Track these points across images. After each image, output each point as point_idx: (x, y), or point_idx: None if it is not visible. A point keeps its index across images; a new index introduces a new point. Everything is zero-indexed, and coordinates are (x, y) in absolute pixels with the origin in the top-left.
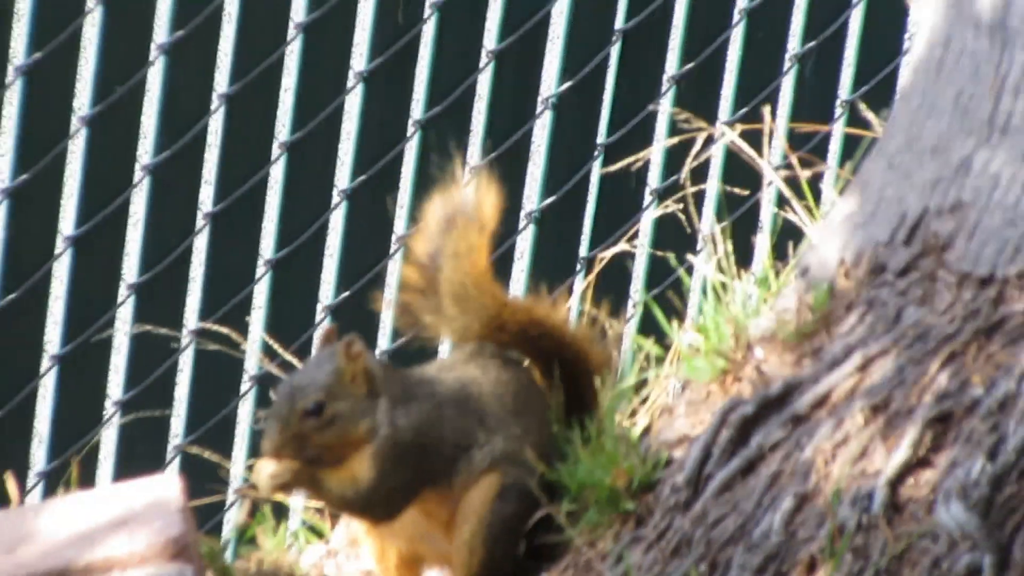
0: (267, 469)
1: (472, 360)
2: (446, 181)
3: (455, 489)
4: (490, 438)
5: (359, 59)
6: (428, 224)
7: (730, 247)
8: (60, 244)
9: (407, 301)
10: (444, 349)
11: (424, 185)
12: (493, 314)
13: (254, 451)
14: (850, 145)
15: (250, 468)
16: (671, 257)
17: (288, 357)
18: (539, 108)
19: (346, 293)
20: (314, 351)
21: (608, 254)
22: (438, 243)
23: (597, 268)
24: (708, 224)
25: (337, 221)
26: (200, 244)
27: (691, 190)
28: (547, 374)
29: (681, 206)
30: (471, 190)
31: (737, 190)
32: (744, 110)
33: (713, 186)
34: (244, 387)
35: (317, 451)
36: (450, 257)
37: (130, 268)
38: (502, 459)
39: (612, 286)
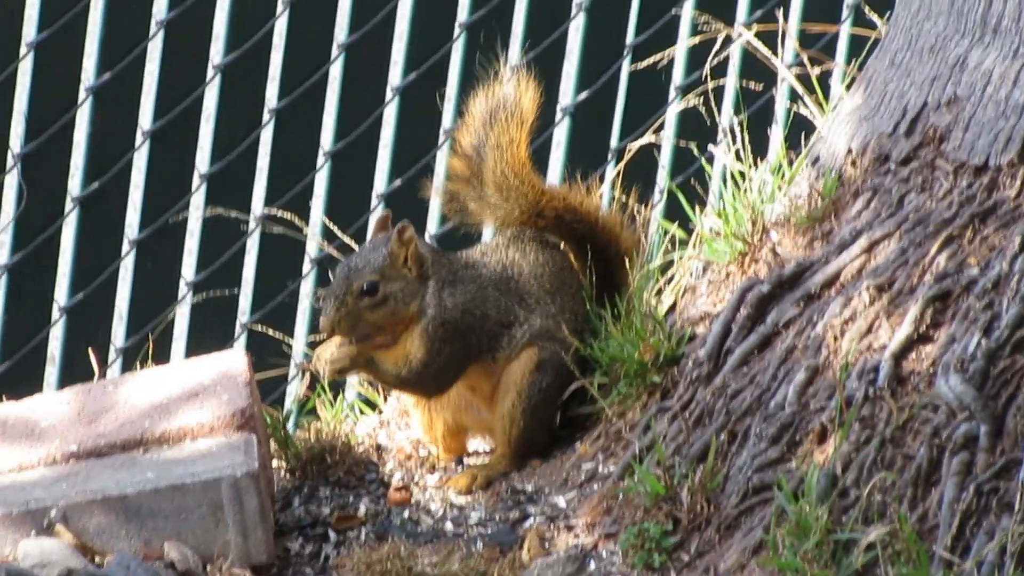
0: (326, 354)
1: (513, 244)
2: (489, 79)
3: (498, 363)
4: (529, 316)
5: None
6: (472, 119)
7: (747, 139)
8: (139, 137)
9: (454, 189)
10: (487, 233)
11: (469, 83)
12: (532, 201)
13: (314, 328)
14: (856, 45)
15: (311, 346)
16: (694, 148)
17: (346, 240)
18: (573, 12)
19: (398, 182)
20: (369, 235)
21: (636, 145)
22: (482, 136)
23: (626, 158)
24: (727, 118)
25: (390, 116)
26: (266, 137)
27: (711, 86)
28: (581, 256)
29: (702, 101)
30: (511, 87)
31: (754, 84)
32: (759, 12)
33: (731, 83)
34: (305, 269)
35: (370, 328)
36: (493, 149)
37: (202, 159)
38: (540, 335)
39: (640, 174)
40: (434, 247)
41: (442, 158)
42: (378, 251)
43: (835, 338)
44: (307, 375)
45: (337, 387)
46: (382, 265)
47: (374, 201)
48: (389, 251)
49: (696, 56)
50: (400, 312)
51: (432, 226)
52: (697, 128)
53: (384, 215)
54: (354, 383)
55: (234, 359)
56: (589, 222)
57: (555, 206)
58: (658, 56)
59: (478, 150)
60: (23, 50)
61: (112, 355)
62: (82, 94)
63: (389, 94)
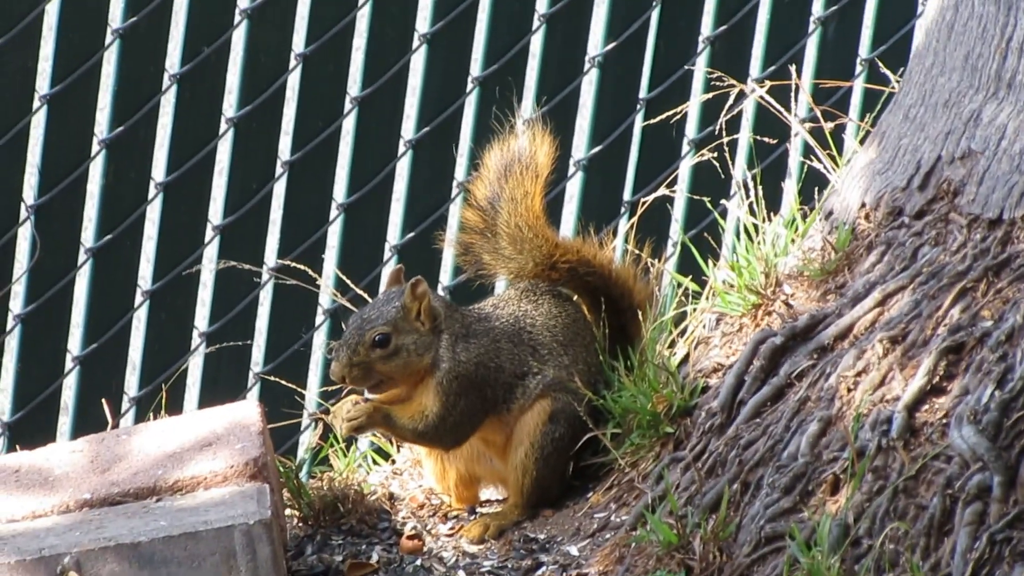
0: (343, 412)
1: (525, 296)
2: (503, 133)
3: (512, 415)
4: (542, 367)
5: (423, 22)
6: (487, 171)
7: (761, 192)
8: (152, 189)
9: (468, 242)
10: (500, 286)
11: (483, 136)
12: (546, 254)
13: (327, 379)
14: (869, 100)
15: (325, 397)
16: (707, 201)
17: (359, 292)
18: (586, 66)
19: (411, 234)
20: (382, 288)
21: (650, 198)
22: (496, 189)
23: (640, 211)
24: (740, 171)
25: (403, 169)
26: (279, 190)
27: (725, 140)
28: (594, 308)
29: (716, 155)
30: (526, 141)
31: (767, 138)
32: (772, 68)
33: (745, 137)
34: (318, 320)
35: (382, 379)
36: (507, 202)
37: (215, 211)
38: (552, 385)
39: (653, 228)
40: (447, 301)
41: (455, 211)
42: (391, 304)
43: (848, 389)
44: (320, 425)
45: (350, 437)
46: (395, 318)
47: (387, 253)
48: (402, 304)
49: (709, 110)
50: (412, 364)
51: (445, 278)
52: (710, 182)
53: (397, 268)
54: (367, 433)
55: (247, 409)
56: (602, 275)
57: (568, 259)
58: (672, 112)
59: (492, 203)
60: (36, 103)
61: (125, 405)
62: (95, 147)
63: (402, 147)
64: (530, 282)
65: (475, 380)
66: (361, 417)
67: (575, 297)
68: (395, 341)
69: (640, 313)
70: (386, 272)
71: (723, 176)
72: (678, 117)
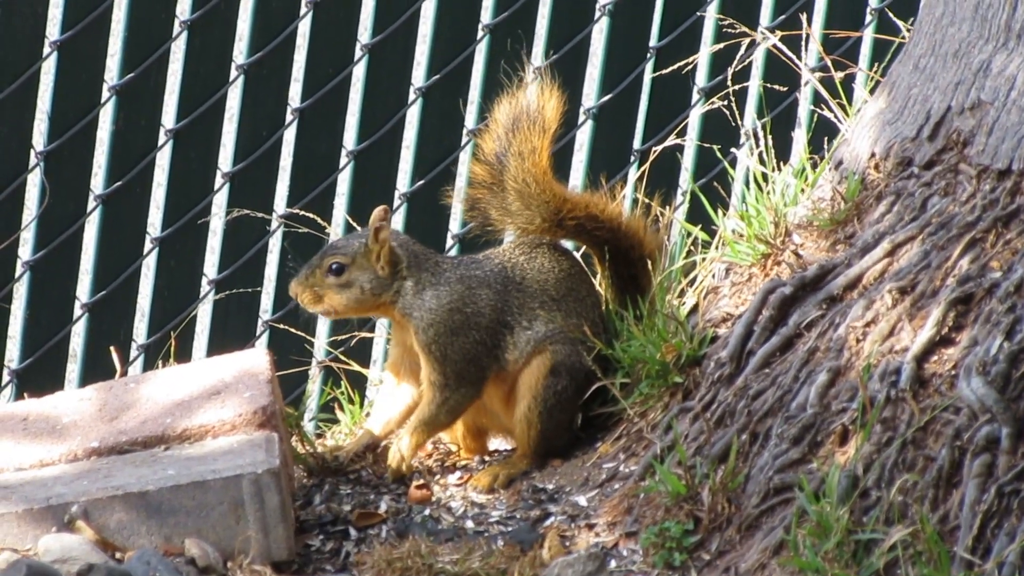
0: (393, 460)
1: (519, 248)
2: (512, 85)
3: (508, 370)
4: (532, 321)
5: None
6: (495, 125)
7: (770, 141)
8: (162, 136)
9: (475, 196)
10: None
11: (492, 84)
12: (554, 209)
13: (336, 328)
14: (880, 49)
15: (333, 345)
16: (717, 150)
17: None
18: (597, 14)
19: (421, 182)
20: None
21: (659, 147)
22: (504, 144)
23: (650, 160)
24: (750, 120)
25: (413, 116)
26: (289, 137)
27: (734, 87)
28: (604, 261)
29: (726, 103)
30: (534, 95)
31: (778, 86)
32: (783, 17)
33: (755, 86)
34: None
35: (331, 308)
36: (515, 157)
37: (225, 158)
38: (548, 338)
39: (663, 177)
40: (417, 250)
41: (465, 159)
42: (358, 239)
43: (857, 340)
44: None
45: (357, 385)
46: (355, 252)
47: (396, 201)
48: (365, 242)
49: (720, 59)
50: (364, 302)
51: (455, 226)
52: (720, 131)
53: (382, 208)
54: (375, 380)
55: (256, 357)
56: (611, 228)
57: (576, 214)
58: (683, 63)
59: (500, 157)
60: (47, 49)
61: (134, 352)
62: (105, 93)
63: (412, 95)
64: (527, 237)
65: (452, 325)
66: (406, 450)
67: (581, 250)
68: (349, 274)
69: (650, 263)
70: (395, 221)
71: (733, 125)
72: (689, 67)
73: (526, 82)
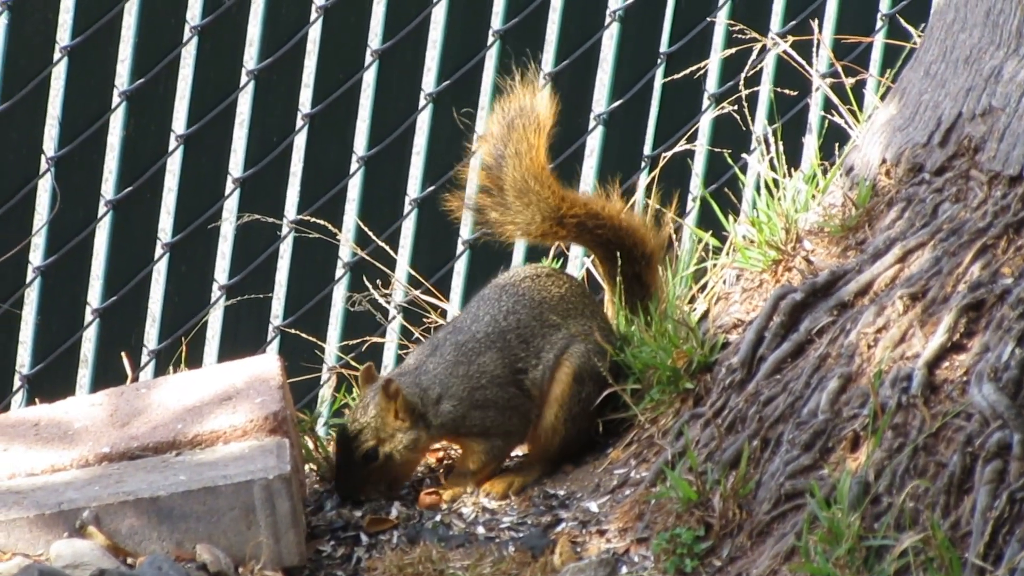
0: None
1: (503, 296)
2: (507, 90)
3: (539, 404)
4: (539, 356)
5: None
6: (491, 130)
7: (781, 147)
8: (173, 142)
9: (480, 203)
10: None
11: (502, 90)
12: (553, 207)
13: (347, 332)
14: (890, 55)
15: (344, 350)
16: (727, 156)
17: (380, 244)
18: (607, 20)
19: (431, 187)
20: (358, 388)
21: (670, 153)
22: (501, 146)
23: (660, 166)
24: (761, 126)
25: (423, 122)
26: (299, 142)
27: (745, 92)
28: (606, 261)
29: (736, 108)
30: (529, 95)
31: (788, 91)
32: (794, 23)
33: (765, 92)
34: (338, 273)
35: (386, 484)
36: (512, 156)
37: (235, 164)
38: (562, 352)
39: (674, 183)
40: (419, 380)
41: (475, 165)
42: (368, 413)
43: (868, 346)
44: (336, 377)
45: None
46: (376, 427)
47: (407, 207)
48: (377, 411)
49: (730, 65)
50: (409, 460)
51: (464, 232)
52: (731, 136)
53: (367, 367)
54: None
55: (267, 363)
56: (612, 226)
57: (576, 212)
58: (693, 68)
59: (498, 159)
60: (57, 54)
61: (145, 358)
62: (116, 99)
63: (423, 100)
64: (506, 276)
65: (479, 402)
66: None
67: (576, 263)
68: (383, 450)
69: (654, 260)
70: (406, 227)
71: (744, 130)
72: (700, 73)
73: (516, 86)
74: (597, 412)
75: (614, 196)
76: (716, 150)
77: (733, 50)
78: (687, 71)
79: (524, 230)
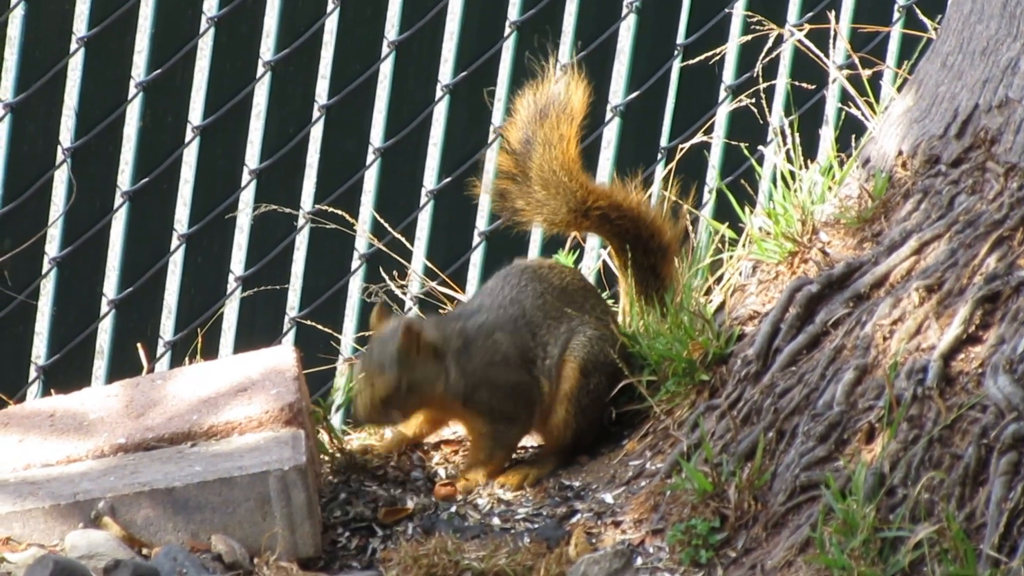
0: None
1: (504, 286)
2: (539, 77)
3: (547, 400)
4: (547, 349)
5: None
6: (520, 115)
7: (798, 139)
8: (189, 133)
9: (502, 187)
10: (536, 235)
11: (519, 81)
12: (581, 199)
13: (363, 324)
14: (907, 46)
15: (360, 342)
16: (744, 147)
17: (396, 235)
18: (624, 11)
19: (448, 179)
20: (372, 326)
21: (687, 145)
22: (530, 132)
23: (676, 158)
24: (777, 118)
25: (440, 113)
26: (316, 133)
27: (763, 85)
28: (623, 252)
29: (753, 101)
30: (563, 85)
31: (805, 84)
32: (811, 13)
33: (782, 83)
34: (354, 264)
35: (400, 416)
36: (541, 145)
37: (252, 155)
38: (567, 347)
39: (690, 174)
40: (437, 320)
41: (492, 156)
42: (388, 349)
43: (884, 338)
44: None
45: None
46: (397, 362)
47: (423, 198)
48: (398, 348)
49: (747, 56)
50: (427, 395)
51: (481, 223)
52: (747, 128)
53: (380, 304)
54: None
55: (283, 354)
56: (633, 217)
57: (600, 204)
58: (709, 53)
59: (526, 145)
60: (74, 45)
61: (160, 349)
62: (132, 90)
63: (439, 92)
64: (507, 268)
65: (490, 379)
66: (472, 484)
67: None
68: (405, 383)
69: (670, 252)
70: (422, 218)
71: (760, 122)
72: (715, 60)
73: (552, 73)
74: (608, 400)
75: (634, 188)
76: (732, 142)
77: (749, 36)
78: (702, 57)
79: (549, 220)
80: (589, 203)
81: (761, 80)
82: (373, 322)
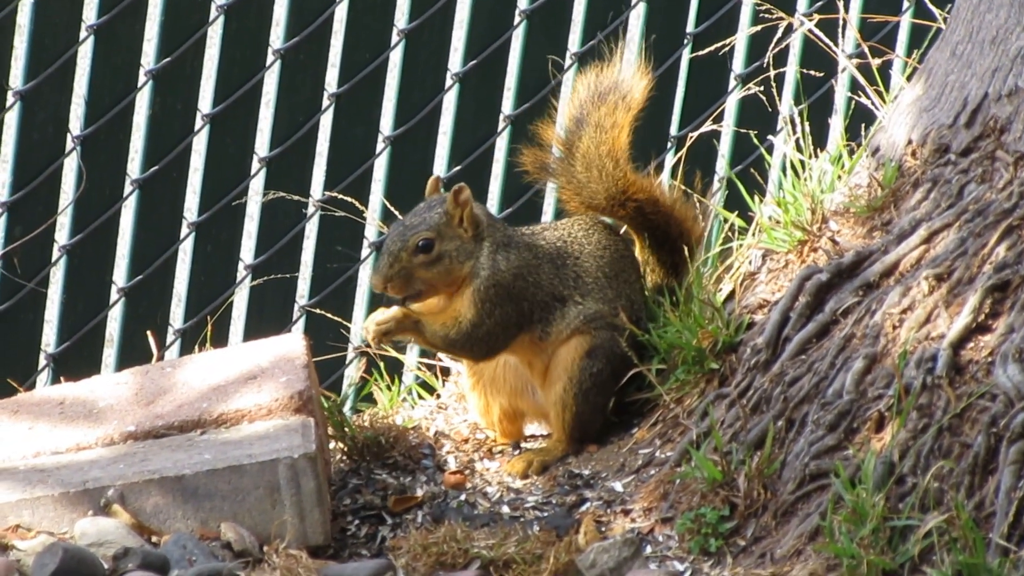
0: (374, 319)
1: (577, 224)
2: (605, 59)
3: (549, 341)
4: (584, 298)
5: None
6: (579, 93)
7: (807, 128)
8: (198, 121)
9: (546, 160)
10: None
11: (529, 69)
12: (622, 188)
13: (372, 312)
14: (917, 36)
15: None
16: (753, 136)
17: None
18: (633, 1)
19: (457, 167)
20: (427, 194)
21: (696, 134)
22: (585, 112)
23: (686, 146)
24: (787, 107)
25: (450, 102)
26: (325, 122)
27: (773, 72)
28: (651, 247)
29: (763, 88)
30: (628, 73)
31: (814, 72)
32: (821, 2)
33: (792, 72)
34: (364, 252)
35: (422, 287)
36: (594, 127)
37: (262, 143)
38: (593, 319)
39: (700, 163)
40: (489, 212)
41: (502, 145)
42: (434, 210)
43: (893, 327)
44: (363, 359)
45: (395, 371)
46: (438, 223)
47: None
48: (445, 210)
49: (756, 46)
50: (454, 271)
51: (492, 210)
52: (757, 117)
53: (435, 177)
54: (412, 366)
55: (292, 342)
56: (666, 214)
57: (639, 197)
58: (720, 44)
59: (578, 124)
60: (83, 33)
61: (170, 337)
62: (142, 78)
63: (449, 80)
64: (584, 215)
65: (512, 291)
66: (390, 322)
67: (623, 231)
68: (438, 247)
69: (692, 252)
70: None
71: (770, 111)
72: (725, 51)
73: (616, 58)
74: (613, 392)
75: (674, 187)
76: (742, 131)
77: (759, 28)
78: (712, 48)
79: (586, 202)
80: (629, 194)
81: (771, 68)
82: (429, 189)
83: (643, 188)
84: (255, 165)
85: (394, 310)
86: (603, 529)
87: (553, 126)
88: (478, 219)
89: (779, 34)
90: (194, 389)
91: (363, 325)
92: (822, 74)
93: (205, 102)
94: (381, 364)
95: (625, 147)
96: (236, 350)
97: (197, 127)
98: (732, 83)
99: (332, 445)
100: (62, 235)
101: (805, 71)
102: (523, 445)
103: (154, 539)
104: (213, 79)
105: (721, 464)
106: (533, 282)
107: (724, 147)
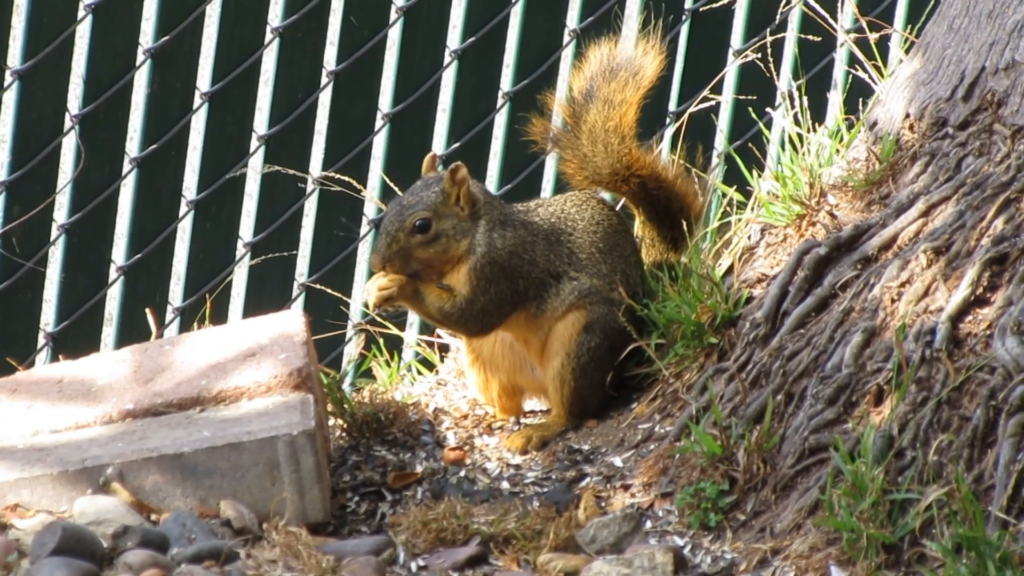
0: (375, 284)
1: (570, 200)
2: (614, 35)
3: (545, 318)
4: (579, 274)
5: None
6: (591, 65)
7: (806, 102)
8: (197, 99)
9: (556, 132)
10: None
11: (528, 46)
12: (626, 164)
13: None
14: (914, 10)
15: (368, 305)
16: (751, 111)
17: None
18: None
19: (456, 144)
20: (424, 172)
21: (694, 108)
22: (595, 85)
23: (684, 121)
24: (786, 82)
25: (449, 79)
26: (324, 99)
27: (770, 47)
28: (652, 222)
29: (759, 55)
30: (640, 51)
31: (813, 45)
32: None
33: (790, 47)
34: (363, 229)
35: (420, 265)
36: (602, 102)
37: (260, 121)
38: (588, 295)
39: (698, 138)
40: (486, 189)
41: (502, 122)
42: (430, 189)
43: (892, 300)
44: (362, 337)
45: (394, 347)
46: (435, 203)
47: None
48: (442, 189)
49: (755, 20)
50: (451, 250)
51: (490, 188)
52: (755, 92)
53: (431, 155)
54: (411, 343)
55: (291, 319)
56: (668, 190)
57: (642, 173)
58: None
59: (586, 98)
60: (82, 12)
61: (169, 315)
62: (140, 56)
63: (448, 57)
64: (579, 191)
65: (507, 268)
66: (392, 287)
67: (620, 206)
68: (435, 226)
69: (691, 228)
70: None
71: (768, 86)
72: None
73: (627, 34)
74: (611, 367)
75: (675, 163)
76: (742, 101)
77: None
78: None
79: (589, 176)
80: (633, 170)
81: (769, 44)
82: (426, 167)
83: (646, 164)
84: (254, 143)
85: (396, 276)
86: (603, 504)
87: (562, 97)
88: (475, 197)
89: (780, 7)
90: (193, 367)
91: (365, 287)
92: (820, 40)
93: (204, 80)
94: (380, 340)
95: (632, 124)
96: (235, 327)
97: (196, 105)
98: (731, 58)
99: (331, 422)
100: (61, 214)
101: (805, 39)
102: (522, 421)
103: (153, 517)
104: (212, 57)
105: (721, 438)
106: (528, 260)
107: (723, 122)
